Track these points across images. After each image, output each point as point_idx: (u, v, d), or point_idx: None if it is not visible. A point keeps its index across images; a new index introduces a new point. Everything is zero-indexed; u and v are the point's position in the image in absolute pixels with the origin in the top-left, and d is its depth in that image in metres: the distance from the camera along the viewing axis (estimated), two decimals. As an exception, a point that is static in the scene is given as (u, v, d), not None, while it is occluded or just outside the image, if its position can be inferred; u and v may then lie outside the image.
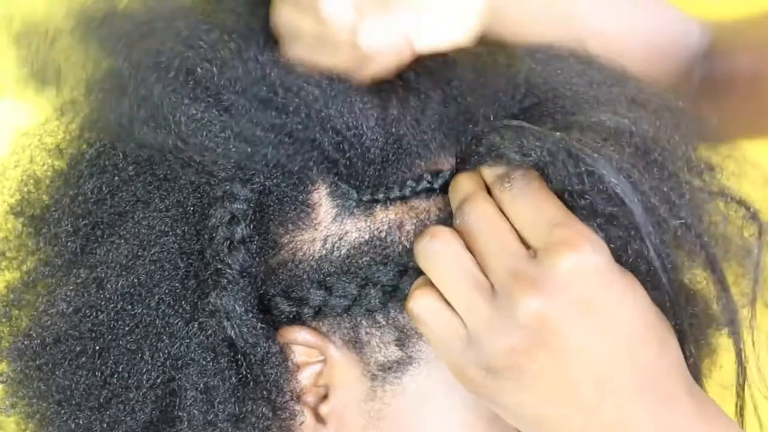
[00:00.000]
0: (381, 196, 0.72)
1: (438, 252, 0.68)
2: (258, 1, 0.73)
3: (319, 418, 0.73)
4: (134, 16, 0.73)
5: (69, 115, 0.77)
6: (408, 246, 0.71)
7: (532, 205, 0.67)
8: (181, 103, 0.70)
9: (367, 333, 0.71)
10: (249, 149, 0.70)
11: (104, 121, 0.72)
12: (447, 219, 0.71)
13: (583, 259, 0.65)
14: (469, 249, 0.68)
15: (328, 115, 0.70)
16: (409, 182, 0.72)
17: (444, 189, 0.72)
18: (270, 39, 0.72)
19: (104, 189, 0.74)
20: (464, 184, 0.70)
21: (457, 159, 0.72)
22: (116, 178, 0.73)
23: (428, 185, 0.72)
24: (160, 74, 0.70)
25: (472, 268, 0.67)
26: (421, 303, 0.68)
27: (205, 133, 0.70)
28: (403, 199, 0.72)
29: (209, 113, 0.70)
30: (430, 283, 0.69)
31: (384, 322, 0.71)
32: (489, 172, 0.70)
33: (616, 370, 0.65)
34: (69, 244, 0.74)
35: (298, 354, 0.72)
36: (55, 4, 0.74)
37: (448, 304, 0.68)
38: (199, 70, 0.70)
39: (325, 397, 0.73)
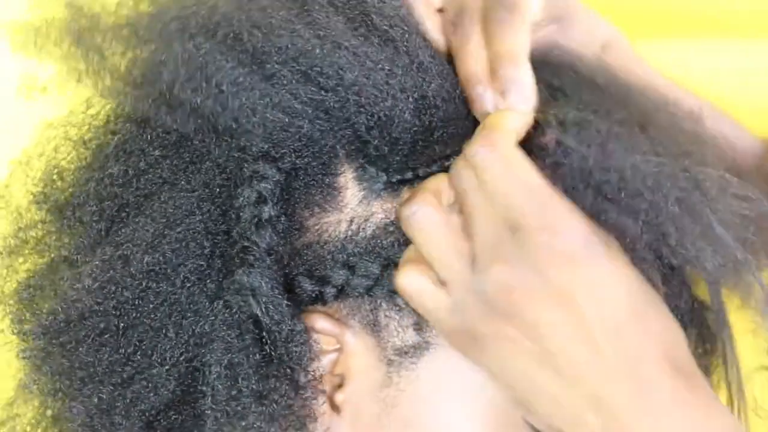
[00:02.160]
0: (410, 175, 0.72)
1: (421, 220, 0.69)
2: None
3: (335, 407, 0.73)
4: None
5: (95, 107, 0.78)
6: None
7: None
8: (224, 66, 0.70)
9: (386, 316, 0.72)
10: (285, 120, 0.71)
11: (145, 86, 0.72)
12: None
13: (560, 241, 0.66)
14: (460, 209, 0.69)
15: (366, 99, 0.71)
16: (437, 162, 0.72)
17: None
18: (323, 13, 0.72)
19: (130, 172, 0.74)
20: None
21: None
22: (142, 162, 0.74)
23: None
24: (208, 34, 0.71)
25: (452, 237, 0.69)
26: (406, 280, 0.70)
27: (243, 99, 0.70)
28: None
29: (250, 79, 0.70)
30: (415, 258, 0.70)
31: (404, 305, 0.72)
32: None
33: (581, 356, 0.66)
34: (94, 224, 0.74)
35: (316, 342, 0.72)
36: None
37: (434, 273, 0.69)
38: (246, 34, 0.71)
39: (340, 386, 0.73)
